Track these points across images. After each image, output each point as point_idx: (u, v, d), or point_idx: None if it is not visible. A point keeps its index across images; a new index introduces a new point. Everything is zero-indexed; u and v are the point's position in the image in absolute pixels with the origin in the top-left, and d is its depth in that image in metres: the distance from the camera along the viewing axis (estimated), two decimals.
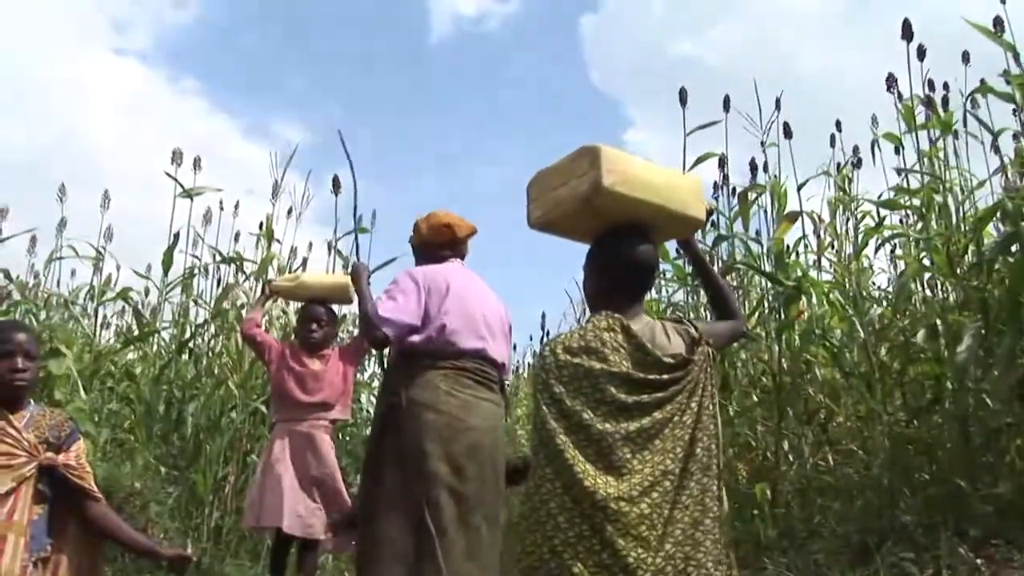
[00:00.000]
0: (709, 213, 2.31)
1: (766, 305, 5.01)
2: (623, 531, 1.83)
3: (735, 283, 5.21)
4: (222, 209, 6.31)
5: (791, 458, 4.34)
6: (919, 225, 4.36)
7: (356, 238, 3.58)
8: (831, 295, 4.57)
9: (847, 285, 4.66)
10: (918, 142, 4.35)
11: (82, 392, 5.04)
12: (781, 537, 3.99)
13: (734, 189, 5.49)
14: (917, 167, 4.44)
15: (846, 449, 4.27)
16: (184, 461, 5.12)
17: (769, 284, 4.64)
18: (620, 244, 2.11)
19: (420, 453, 2.67)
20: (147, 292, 6.51)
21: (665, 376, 1.97)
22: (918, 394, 4.17)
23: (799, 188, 4.53)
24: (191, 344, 6.03)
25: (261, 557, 4.62)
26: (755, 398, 4.77)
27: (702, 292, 5.69)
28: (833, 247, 4.93)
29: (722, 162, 5.56)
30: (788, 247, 4.67)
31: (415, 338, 2.78)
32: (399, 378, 2.81)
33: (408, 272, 2.92)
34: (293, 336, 4.19)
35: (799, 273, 4.51)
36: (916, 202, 4.36)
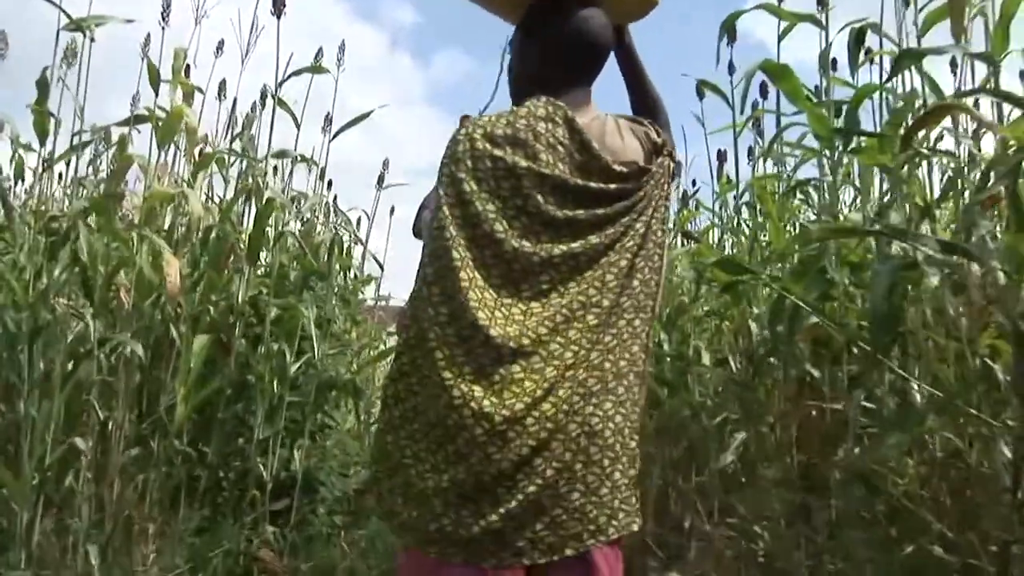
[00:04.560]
0: None
1: (962, 183, 2.57)
2: (519, 375, 1.33)
3: (922, 145, 2.75)
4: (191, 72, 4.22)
5: None
6: None
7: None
8: None
9: None
10: None
11: None
12: None
13: None
14: None
15: None
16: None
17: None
18: (558, 8, 1.58)
19: None
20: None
21: (612, 186, 1.48)
22: None
23: None
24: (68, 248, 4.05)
25: None
26: (959, 372, 2.41)
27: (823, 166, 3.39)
28: None
29: None
30: None
31: None
32: None
33: None
34: None
35: None
36: None
